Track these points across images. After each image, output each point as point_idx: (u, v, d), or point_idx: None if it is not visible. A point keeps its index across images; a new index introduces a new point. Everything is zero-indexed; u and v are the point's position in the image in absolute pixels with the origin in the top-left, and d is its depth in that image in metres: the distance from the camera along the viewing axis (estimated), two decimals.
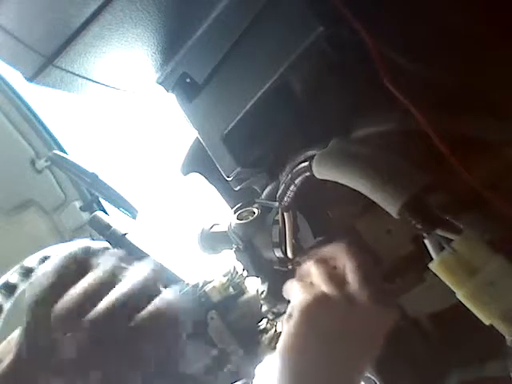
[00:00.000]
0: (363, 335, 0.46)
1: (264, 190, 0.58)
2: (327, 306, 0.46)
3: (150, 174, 1.65)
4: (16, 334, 0.40)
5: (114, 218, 0.85)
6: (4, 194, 1.73)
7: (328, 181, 0.43)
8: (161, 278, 0.42)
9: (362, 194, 0.40)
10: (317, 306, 0.46)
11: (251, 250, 0.58)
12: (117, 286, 0.39)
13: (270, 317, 0.64)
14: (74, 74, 0.48)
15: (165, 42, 0.50)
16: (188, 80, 0.53)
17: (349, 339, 0.46)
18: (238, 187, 0.59)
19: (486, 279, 0.35)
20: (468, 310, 0.36)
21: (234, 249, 0.61)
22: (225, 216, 0.65)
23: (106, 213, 0.88)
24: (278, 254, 0.54)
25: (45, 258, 0.81)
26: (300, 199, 0.49)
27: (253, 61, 0.49)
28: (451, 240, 0.36)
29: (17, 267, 0.79)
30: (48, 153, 1.38)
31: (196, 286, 0.72)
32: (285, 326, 0.48)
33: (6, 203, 1.74)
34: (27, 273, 0.79)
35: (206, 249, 0.68)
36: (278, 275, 0.57)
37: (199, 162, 0.64)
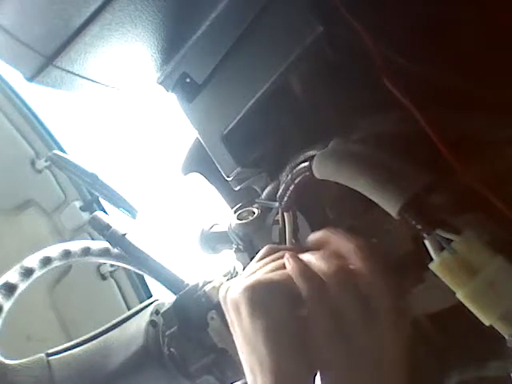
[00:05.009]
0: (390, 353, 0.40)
1: (264, 190, 0.58)
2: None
3: (150, 173, 1.65)
4: None
5: (114, 217, 0.85)
6: (4, 194, 1.74)
7: (328, 181, 0.43)
8: None
9: (361, 194, 0.40)
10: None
11: (251, 250, 0.58)
12: None
13: None
14: (73, 73, 0.48)
15: (165, 41, 0.50)
16: (188, 80, 0.53)
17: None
18: (238, 187, 0.59)
19: (486, 280, 0.35)
20: (468, 310, 0.36)
21: (233, 249, 0.61)
22: (225, 216, 0.65)
23: (106, 213, 0.88)
24: None
25: (45, 258, 0.81)
26: (300, 199, 0.49)
27: (253, 61, 0.49)
28: (451, 240, 0.36)
29: (17, 267, 0.79)
30: (48, 153, 1.38)
31: (196, 285, 0.72)
32: None
33: (6, 203, 1.74)
34: (27, 273, 0.79)
35: (205, 249, 0.68)
36: None
37: (199, 162, 0.64)
